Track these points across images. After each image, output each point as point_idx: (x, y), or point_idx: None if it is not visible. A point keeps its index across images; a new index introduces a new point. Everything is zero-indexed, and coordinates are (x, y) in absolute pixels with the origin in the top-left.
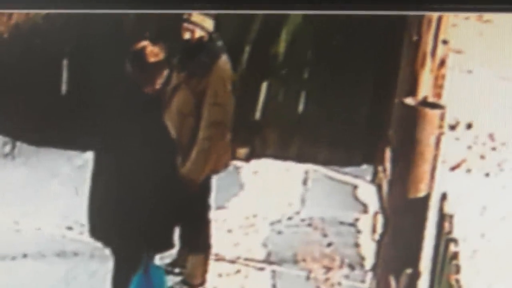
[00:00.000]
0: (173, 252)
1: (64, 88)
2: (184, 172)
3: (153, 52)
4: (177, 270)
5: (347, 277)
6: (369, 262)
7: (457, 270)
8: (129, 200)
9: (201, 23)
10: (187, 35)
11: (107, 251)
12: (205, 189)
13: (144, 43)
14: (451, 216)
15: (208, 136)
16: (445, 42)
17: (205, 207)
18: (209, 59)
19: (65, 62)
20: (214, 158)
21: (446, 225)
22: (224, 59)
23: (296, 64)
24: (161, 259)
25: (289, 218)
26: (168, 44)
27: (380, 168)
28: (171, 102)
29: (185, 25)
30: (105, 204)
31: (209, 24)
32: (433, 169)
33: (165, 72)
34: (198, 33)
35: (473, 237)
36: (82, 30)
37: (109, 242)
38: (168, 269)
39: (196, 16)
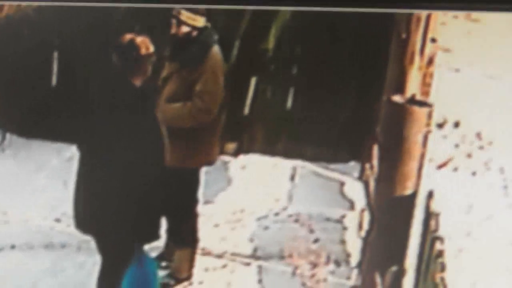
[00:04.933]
0: (160, 245)
1: (54, 80)
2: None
3: (144, 43)
4: (164, 263)
5: (333, 273)
6: (355, 259)
7: (442, 268)
8: (116, 192)
9: (188, 22)
10: (174, 30)
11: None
12: (194, 182)
13: (131, 35)
14: (437, 215)
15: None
16: (433, 40)
17: (193, 201)
18: (202, 51)
19: (55, 54)
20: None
21: (432, 223)
22: (216, 50)
23: (285, 60)
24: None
25: (276, 214)
26: (157, 37)
27: (367, 165)
28: (162, 93)
29: (174, 21)
30: (91, 195)
31: (197, 21)
32: (420, 167)
33: (154, 62)
34: (184, 28)
35: (459, 236)
36: (72, 23)
37: (95, 234)
38: None
39: (185, 14)
